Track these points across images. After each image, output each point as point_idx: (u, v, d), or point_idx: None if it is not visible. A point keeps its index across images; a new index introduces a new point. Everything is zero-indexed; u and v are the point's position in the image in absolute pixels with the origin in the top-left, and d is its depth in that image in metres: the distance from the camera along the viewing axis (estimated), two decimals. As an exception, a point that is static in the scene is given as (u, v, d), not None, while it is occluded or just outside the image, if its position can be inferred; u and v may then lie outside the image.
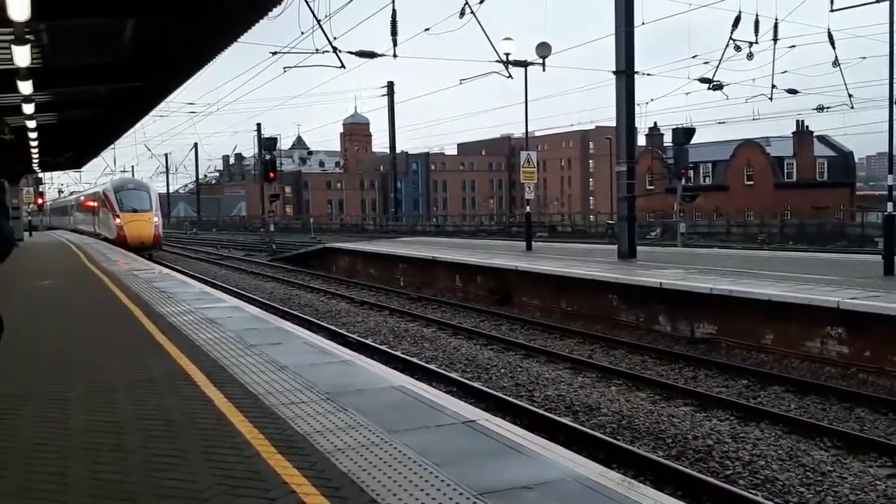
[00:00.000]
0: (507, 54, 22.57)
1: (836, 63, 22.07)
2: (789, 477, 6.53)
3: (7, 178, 34.51)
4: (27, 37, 11.91)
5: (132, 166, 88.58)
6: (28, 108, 18.51)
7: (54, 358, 7.48)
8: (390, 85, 65.45)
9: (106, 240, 35.35)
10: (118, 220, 34.04)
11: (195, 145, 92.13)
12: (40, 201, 52.70)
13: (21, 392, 6.00)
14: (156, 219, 34.85)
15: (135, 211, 34.25)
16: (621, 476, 4.44)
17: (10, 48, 12.49)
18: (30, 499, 3.83)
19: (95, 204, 40.31)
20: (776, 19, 21.82)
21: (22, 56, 12.57)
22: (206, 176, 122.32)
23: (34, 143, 27.82)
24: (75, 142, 35.76)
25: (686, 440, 7.47)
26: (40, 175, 52.39)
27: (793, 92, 27.82)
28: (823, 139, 63.75)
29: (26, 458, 4.45)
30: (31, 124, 22.37)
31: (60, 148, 36.43)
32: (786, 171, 62.31)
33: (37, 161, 36.62)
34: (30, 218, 47.74)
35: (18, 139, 25.63)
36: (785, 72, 28.55)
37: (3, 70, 15.68)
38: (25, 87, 15.37)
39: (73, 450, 4.57)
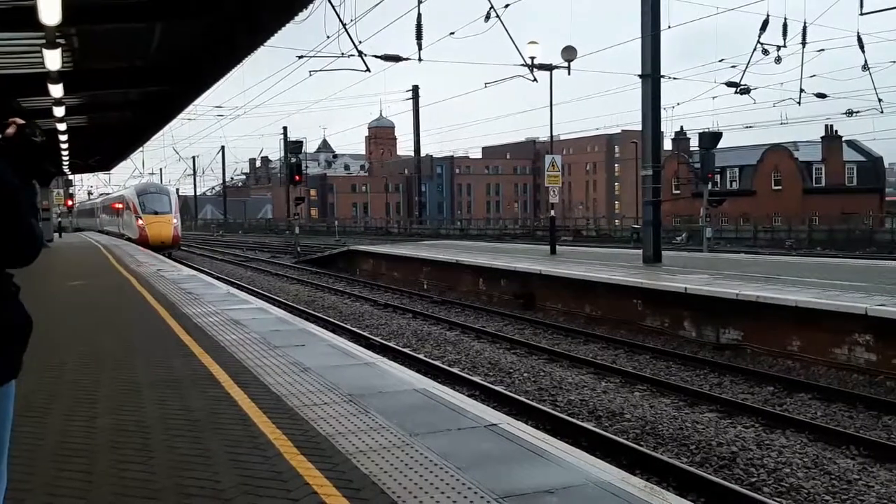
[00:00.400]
0: (533, 58, 22.58)
1: (865, 67, 21.82)
2: (815, 485, 6.45)
3: (38, 180, 34.99)
4: (58, 41, 12.11)
5: (160, 169, 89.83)
6: (59, 111, 18.81)
7: (83, 357, 7.57)
8: (415, 88, 65.62)
9: (129, 239, 37.66)
10: (140, 222, 36.70)
11: (222, 148, 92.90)
12: (70, 203, 53.50)
13: (50, 390, 6.09)
14: (175, 220, 37.49)
15: (156, 213, 36.91)
16: (644, 482, 4.42)
17: (41, 52, 12.71)
18: (57, 496, 3.88)
19: (120, 206, 43.04)
20: (805, 23, 21.63)
21: (53, 60, 12.79)
22: (232, 179, 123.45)
23: (64, 146, 28.22)
24: (105, 144, 36.27)
25: (710, 447, 7.41)
26: (70, 177, 53.20)
27: (821, 96, 27.55)
28: (853, 144, 62.92)
29: (54, 455, 4.51)
30: (62, 127, 22.70)
31: (90, 150, 36.97)
32: (814, 176, 61.58)
33: (67, 163, 37.17)
34: (59, 219, 48.38)
35: (49, 141, 26.00)
36: (814, 76, 28.31)
37: (35, 73, 15.95)
38: (56, 90, 15.62)
39: (99, 448, 4.63)
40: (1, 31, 13.27)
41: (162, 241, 35.12)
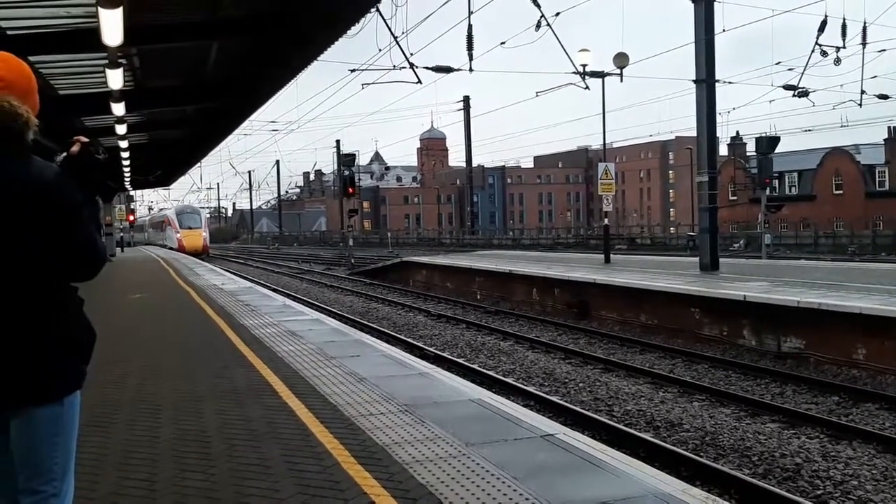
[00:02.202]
0: (584, 65, 22.49)
1: (930, 66, 21.15)
2: (884, 498, 6.23)
3: (101, 196, 36.12)
4: (120, 61, 12.50)
5: (217, 183, 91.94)
6: (121, 129, 19.36)
7: (145, 368, 7.75)
8: (466, 99, 65.83)
9: (170, 248, 49.79)
10: (178, 235, 49.53)
11: (277, 162, 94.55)
12: (131, 218, 56.21)
13: (114, 401, 6.24)
14: (204, 234, 51.05)
15: (190, 228, 49.97)
16: (706, 493, 4.33)
17: (103, 72, 13.12)
18: (122, 504, 3.97)
19: (164, 222, 56.66)
20: (864, 23, 21.13)
21: (115, 79, 13.19)
22: (287, 192, 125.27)
23: (126, 163, 29.01)
24: (164, 160, 37.22)
25: (773, 458, 7.22)
26: (131, 193, 55.05)
27: (883, 97, 26.83)
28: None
29: (118, 464, 4.62)
30: (124, 144, 23.36)
31: (150, 167, 37.98)
32: (877, 179, 59.82)
33: (128, 179, 38.25)
34: (122, 234, 50.12)
35: (111, 158, 26.77)
36: (875, 76, 27.59)
37: (98, 93, 16.46)
38: (118, 108, 16.09)
39: (162, 457, 4.72)
40: (66, 52, 13.75)
41: (195, 249, 45.94)
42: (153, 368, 7.72)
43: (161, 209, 77.77)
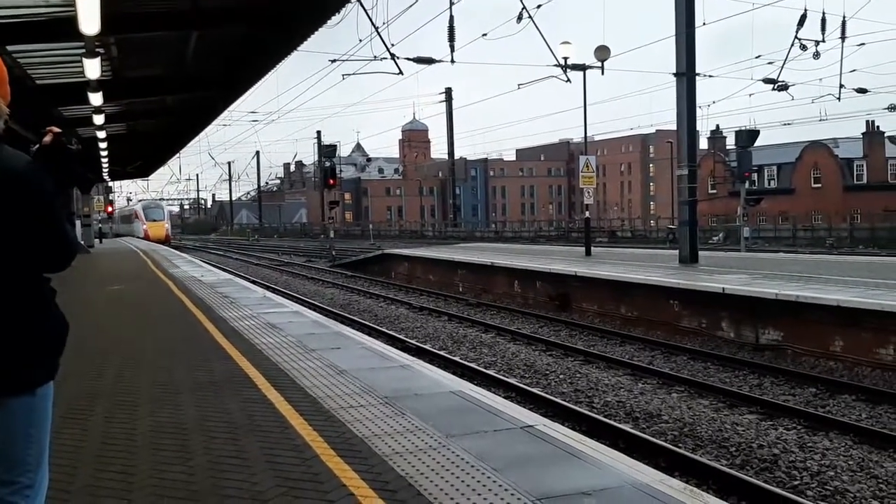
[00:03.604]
0: (566, 58, 22.48)
1: (908, 61, 21.33)
2: (861, 489, 6.31)
3: (79, 187, 35.78)
4: (97, 50, 12.34)
5: (196, 174, 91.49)
6: (98, 119, 19.15)
7: (123, 360, 7.68)
8: (448, 91, 65.77)
9: (137, 237, 56.61)
10: (145, 226, 57.94)
11: (257, 153, 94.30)
12: (110, 209, 56.54)
13: (92, 393, 6.18)
14: (167, 225, 60.70)
15: (154, 220, 58.50)
16: (683, 484, 4.36)
17: (81, 61, 12.96)
18: (99, 497, 3.94)
19: (132, 215, 66.16)
20: (844, 17, 21.30)
21: (92, 68, 13.03)
22: (267, 183, 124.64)
23: (104, 153, 28.72)
24: (143, 151, 36.90)
25: (751, 449, 7.29)
26: (110, 184, 54.69)
27: (862, 91, 27.05)
28: (895, 140, 61.54)
29: (95, 457, 4.58)
30: (102, 135, 23.11)
31: (129, 157, 37.64)
32: (855, 173, 60.37)
33: (107, 170, 37.91)
34: (100, 225, 49.66)
35: (87, 149, 26.45)
36: (854, 70, 27.86)
37: (75, 83, 16.26)
38: (96, 98, 15.91)
39: (139, 450, 4.68)
40: (42, 41, 13.56)
41: (158, 238, 53.24)
42: (131, 360, 7.65)
43: (139, 200, 79.14)
